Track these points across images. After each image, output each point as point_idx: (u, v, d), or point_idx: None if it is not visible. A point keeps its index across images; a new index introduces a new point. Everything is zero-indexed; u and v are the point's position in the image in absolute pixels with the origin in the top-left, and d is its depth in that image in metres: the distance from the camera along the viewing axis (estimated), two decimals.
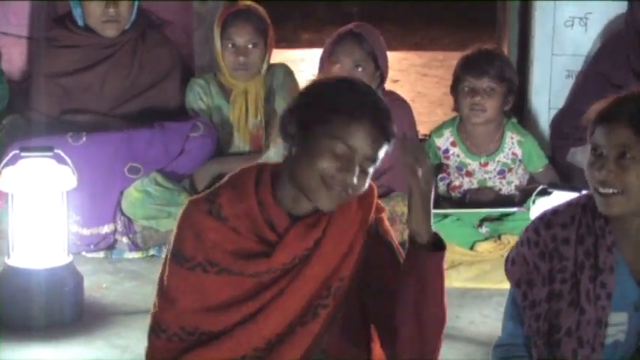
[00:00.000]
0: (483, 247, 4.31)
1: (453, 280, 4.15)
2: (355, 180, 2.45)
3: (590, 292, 2.55)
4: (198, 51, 5.11)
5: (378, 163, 2.50)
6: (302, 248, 2.49)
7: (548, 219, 2.61)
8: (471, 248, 4.32)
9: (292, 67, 4.85)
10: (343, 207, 2.51)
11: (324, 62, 4.41)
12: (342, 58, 4.35)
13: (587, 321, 2.55)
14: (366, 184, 2.49)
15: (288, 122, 2.52)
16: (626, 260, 2.58)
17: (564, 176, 4.63)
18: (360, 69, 4.35)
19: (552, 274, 2.58)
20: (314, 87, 2.57)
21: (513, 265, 2.64)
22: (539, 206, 3.45)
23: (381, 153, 2.50)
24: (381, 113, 2.53)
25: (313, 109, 2.50)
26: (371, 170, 2.50)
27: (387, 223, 2.60)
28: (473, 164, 4.55)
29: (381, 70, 4.41)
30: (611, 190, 2.48)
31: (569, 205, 2.63)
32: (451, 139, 4.59)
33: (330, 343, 2.53)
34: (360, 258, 2.52)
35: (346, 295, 2.52)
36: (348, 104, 2.48)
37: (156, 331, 2.54)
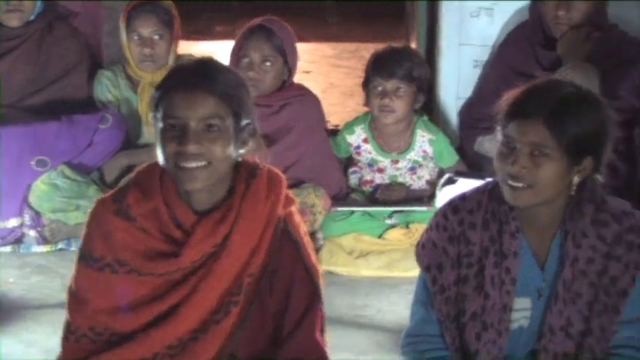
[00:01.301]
0: (392, 235, 4.34)
1: (362, 269, 4.19)
2: (192, 147, 2.42)
3: (494, 277, 2.59)
4: (107, 42, 5.07)
5: (224, 125, 2.46)
6: (210, 245, 2.48)
7: (456, 204, 2.65)
8: (380, 238, 4.36)
9: None
10: (251, 199, 2.51)
11: (234, 56, 4.40)
12: (251, 53, 4.35)
13: (492, 305, 2.59)
14: (224, 150, 2.46)
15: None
16: (531, 246, 2.62)
17: (472, 165, 4.68)
18: (268, 63, 4.35)
19: (460, 259, 2.62)
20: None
21: (423, 249, 2.67)
22: (445, 194, 3.48)
23: (215, 108, 2.45)
24: (198, 75, 2.47)
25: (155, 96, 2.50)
26: (220, 129, 2.45)
27: (296, 217, 2.59)
28: (384, 161, 4.58)
29: (289, 65, 4.42)
30: (521, 184, 2.51)
31: (477, 191, 2.67)
32: (363, 136, 4.61)
33: (243, 342, 2.53)
34: (269, 253, 2.52)
35: (257, 292, 2.52)
36: (167, 79, 2.49)
37: (65, 333, 2.53)
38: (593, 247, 2.59)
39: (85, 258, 2.51)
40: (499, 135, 2.56)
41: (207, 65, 2.51)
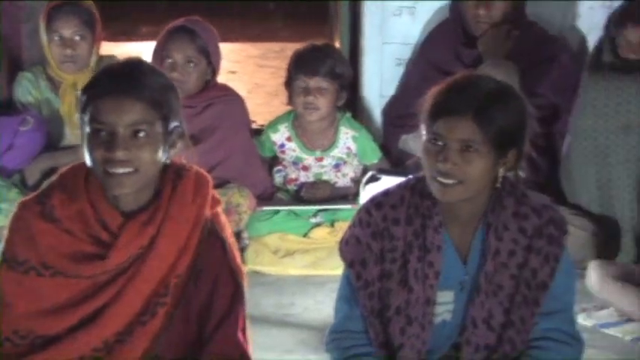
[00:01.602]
0: (317, 233, 4.36)
1: (289, 268, 4.19)
2: (121, 152, 2.40)
3: (418, 270, 2.61)
4: (27, 44, 5.00)
5: (153, 130, 2.43)
6: (137, 247, 2.47)
7: (379, 200, 2.66)
8: (305, 237, 4.36)
9: None
10: (178, 201, 2.50)
11: (157, 57, 4.38)
12: (174, 54, 4.33)
13: (416, 299, 2.61)
14: (152, 155, 2.43)
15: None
16: (453, 240, 2.64)
17: (397, 163, 4.70)
18: (191, 64, 4.34)
19: (384, 254, 2.63)
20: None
21: (347, 245, 2.68)
22: (369, 192, 3.49)
23: (143, 114, 2.43)
24: (126, 80, 2.44)
25: (82, 101, 2.47)
26: (150, 134, 2.43)
27: (223, 217, 2.59)
28: (308, 159, 4.59)
29: (213, 66, 4.40)
30: (452, 181, 2.53)
31: (399, 186, 2.69)
32: (287, 135, 4.61)
33: (168, 343, 2.51)
34: (195, 254, 2.51)
35: (184, 293, 2.51)
36: (95, 84, 2.46)
37: None
38: (514, 239, 2.62)
39: (8, 262, 2.48)
40: (424, 132, 2.57)
41: (135, 69, 2.48)
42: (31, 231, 2.46)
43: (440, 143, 2.53)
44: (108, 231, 2.47)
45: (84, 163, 2.49)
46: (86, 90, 2.47)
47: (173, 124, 2.49)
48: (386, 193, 2.68)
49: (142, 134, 2.42)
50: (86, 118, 2.43)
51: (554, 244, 2.62)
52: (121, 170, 2.41)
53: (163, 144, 2.47)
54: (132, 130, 2.41)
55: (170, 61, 4.33)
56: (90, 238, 2.47)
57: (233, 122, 4.45)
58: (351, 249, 2.67)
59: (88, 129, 2.43)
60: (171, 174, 2.52)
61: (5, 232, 2.51)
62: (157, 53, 4.38)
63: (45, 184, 4.23)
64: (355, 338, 2.68)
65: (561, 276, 2.63)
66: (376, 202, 2.67)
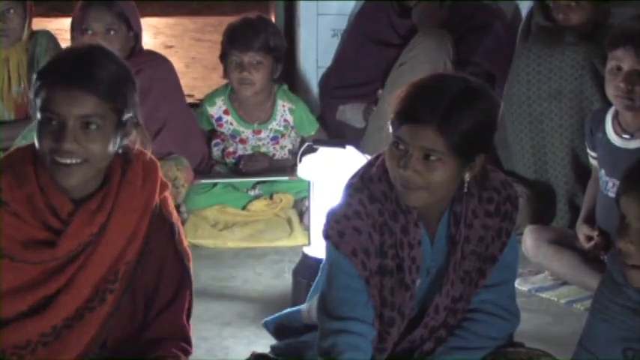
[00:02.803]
0: (256, 206, 4.36)
1: (228, 241, 4.19)
2: (70, 144, 2.36)
3: (411, 268, 2.56)
4: None
5: (103, 122, 2.39)
6: (87, 234, 2.45)
7: (368, 193, 2.57)
8: (244, 209, 4.37)
9: (66, 35, 4.75)
10: (127, 188, 2.47)
11: (77, 30, 4.31)
12: (93, 25, 4.25)
13: (399, 291, 2.57)
14: (103, 147, 2.40)
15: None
16: (425, 231, 2.60)
17: (334, 134, 4.72)
18: (112, 32, 4.27)
19: (384, 248, 2.56)
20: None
21: (344, 236, 2.55)
22: (306, 164, 3.49)
23: (95, 108, 2.38)
24: (80, 71, 2.39)
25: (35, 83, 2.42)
26: (98, 126, 2.39)
27: (170, 201, 2.58)
28: (246, 132, 4.58)
29: (134, 31, 4.36)
30: (414, 187, 2.48)
31: (373, 178, 2.58)
32: (224, 108, 4.59)
33: (114, 327, 2.51)
34: (145, 241, 2.50)
35: (131, 278, 2.50)
36: (50, 70, 2.41)
37: None
38: (484, 225, 2.60)
39: None
40: (390, 133, 2.50)
41: (91, 58, 2.42)
42: None
43: (402, 148, 2.47)
44: (58, 217, 2.44)
45: (32, 146, 2.45)
46: (40, 74, 2.41)
47: (127, 115, 2.44)
48: (365, 185, 2.57)
49: (93, 126, 2.38)
50: (38, 103, 2.39)
51: (507, 220, 2.62)
52: (69, 161, 2.37)
53: (115, 135, 2.43)
54: (82, 121, 2.37)
55: (90, 32, 4.24)
56: (40, 223, 2.44)
57: (164, 86, 4.36)
58: (350, 239, 2.54)
59: (38, 115, 2.39)
60: (119, 158, 2.49)
61: None
62: (77, 26, 4.31)
63: None
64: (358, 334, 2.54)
65: (508, 250, 2.64)
66: (366, 194, 2.56)
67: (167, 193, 2.57)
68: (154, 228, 2.51)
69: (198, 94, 6.00)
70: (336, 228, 2.55)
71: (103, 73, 2.40)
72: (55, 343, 2.47)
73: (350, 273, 2.54)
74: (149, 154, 2.54)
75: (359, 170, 2.64)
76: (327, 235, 2.57)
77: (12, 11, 4.48)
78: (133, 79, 2.50)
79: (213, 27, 8.70)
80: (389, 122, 2.51)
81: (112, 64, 2.45)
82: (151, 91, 4.25)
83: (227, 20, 8.66)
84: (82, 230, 2.44)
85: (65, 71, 2.38)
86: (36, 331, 2.45)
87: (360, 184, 2.59)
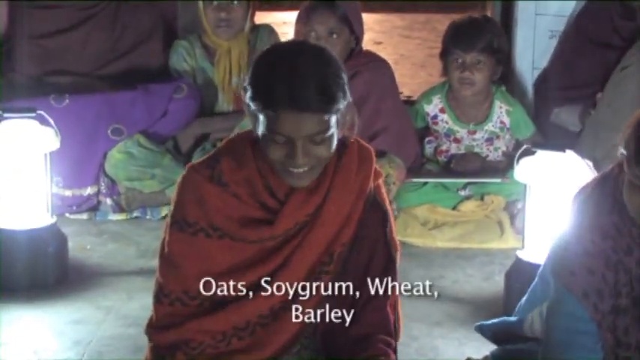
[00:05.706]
0: (466, 206, 4.32)
1: (437, 241, 4.18)
2: (301, 160, 2.39)
3: None
4: (181, 11, 5.07)
5: (330, 131, 2.40)
6: (303, 214, 2.49)
7: (595, 226, 2.45)
8: (454, 209, 4.33)
9: (282, 29, 4.83)
10: (343, 171, 2.50)
11: (299, 29, 4.38)
12: (316, 27, 4.30)
13: None
14: (330, 150, 2.42)
15: (245, 100, 2.45)
16: None
17: (548, 136, 4.63)
18: (334, 36, 4.31)
19: (618, 288, 2.45)
20: (257, 67, 2.45)
21: (575, 276, 2.44)
22: (523, 166, 3.43)
23: (323, 124, 2.39)
24: (306, 92, 2.37)
25: (253, 97, 2.41)
26: (328, 136, 2.40)
27: (384, 190, 2.60)
28: (461, 132, 4.55)
29: (356, 34, 4.38)
30: None
31: (600, 211, 2.46)
32: (440, 106, 4.57)
33: (325, 315, 2.52)
34: (359, 224, 2.52)
35: (346, 262, 2.52)
36: (274, 94, 2.37)
37: (159, 296, 2.52)
38: None
39: (178, 223, 2.50)
40: (627, 168, 2.35)
41: (315, 80, 2.38)
42: (200, 192, 2.49)
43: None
44: (275, 198, 2.49)
45: (250, 132, 2.50)
46: (262, 93, 2.39)
47: (343, 104, 2.43)
48: (593, 218, 2.45)
49: (319, 137, 2.40)
50: (260, 117, 2.40)
51: None
52: (301, 170, 2.43)
53: (337, 129, 2.45)
54: (311, 138, 2.40)
55: (313, 34, 4.31)
56: (257, 203, 2.49)
57: (383, 89, 4.41)
58: (581, 280, 2.43)
59: (262, 129, 2.40)
60: (337, 144, 2.51)
61: (174, 195, 2.53)
62: (300, 28, 4.38)
63: (197, 151, 4.36)
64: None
65: None
66: (596, 231, 2.43)
67: (380, 182, 2.58)
68: (368, 213, 2.53)
69: (407, 92, 6.00)
70: (561, 263, 2.45)
71: (328, 90, 2.38)
72: (272, 325, 2.51)
73: (577, 315, 2.44)
74: (364, 142, 2.56)
75: (587, 192, 2.51)
76: (555, 272, 2.47)
77: (236, 3, 4.58)
78: (342, 68, 2.45)
79: (422, 24, 8.69)
80: (620, 148, 2.37)
81: (332, 73, 2.41)
82: (369, 96, 4.29)
83: (435, 18, 8.65)
84: (298, 210, 2.48)
85: (292, 95, 2.36)
86: (255, 312, 2.49)
87: (578, 219, 2.47)
